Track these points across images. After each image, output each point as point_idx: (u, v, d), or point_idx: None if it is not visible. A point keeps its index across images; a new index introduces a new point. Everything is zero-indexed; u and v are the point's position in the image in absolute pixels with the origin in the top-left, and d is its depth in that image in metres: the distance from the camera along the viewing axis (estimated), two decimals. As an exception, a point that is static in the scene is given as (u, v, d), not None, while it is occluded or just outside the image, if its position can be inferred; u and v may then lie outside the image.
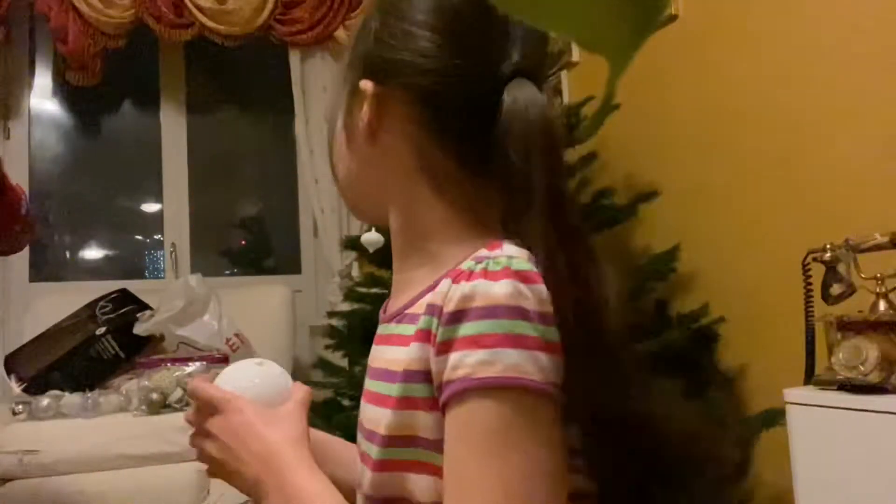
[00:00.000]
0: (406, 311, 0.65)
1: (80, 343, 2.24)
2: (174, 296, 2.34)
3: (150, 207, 3.07)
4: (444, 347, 0.55)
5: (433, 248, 0.65)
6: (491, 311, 0.53)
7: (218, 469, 0.69)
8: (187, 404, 2.04)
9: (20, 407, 2.01)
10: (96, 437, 1.95)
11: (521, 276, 0.54)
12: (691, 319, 1.82)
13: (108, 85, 2.77)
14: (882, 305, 1.20)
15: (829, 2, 1.60)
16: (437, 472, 0.56)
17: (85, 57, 2.62)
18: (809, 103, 1.65)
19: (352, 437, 1.40)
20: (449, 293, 0.55)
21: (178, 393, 2.03)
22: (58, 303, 2.45)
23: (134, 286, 2.56)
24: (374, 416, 0.62)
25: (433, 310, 0.57)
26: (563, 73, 2.52)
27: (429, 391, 0.57)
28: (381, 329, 0.70)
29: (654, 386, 0.59)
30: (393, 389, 0.59)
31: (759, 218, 1.79)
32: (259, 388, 0.71)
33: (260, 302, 2.72)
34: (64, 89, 2.89)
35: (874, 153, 1.50)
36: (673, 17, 2.03)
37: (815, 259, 1.32)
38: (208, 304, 2.38)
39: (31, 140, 2.81)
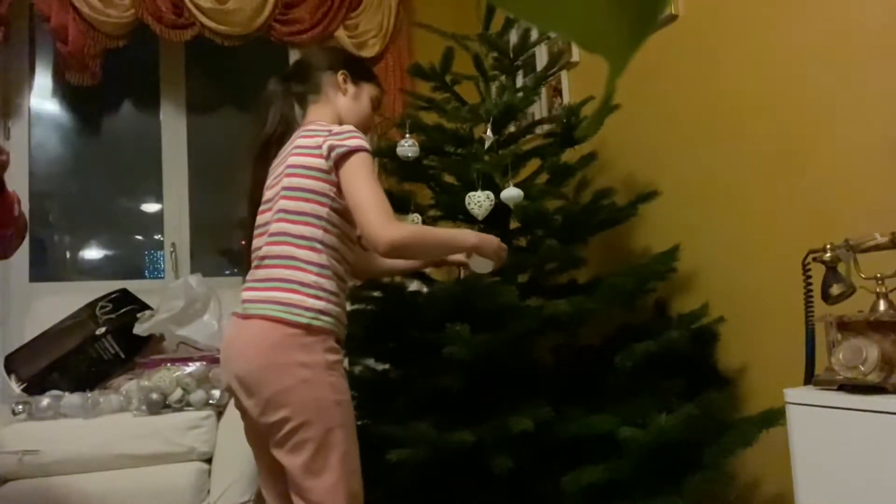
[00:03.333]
0: None
1: (80, 343, 2.24)
2: (174, 296, 2.34)
3: (150, 207, 3.07)
4: None
5: None
6: None
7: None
8: (188, 404, 2.04)
9: (20, 407, 2.01)
10: (96, 437, 1.95)
11: None
12: (691, 319, 1.82)
13: (108, 85, 2.76)
14: (882, 305, 1.21)
15: (829, 2, 1.60)
16: None
17: (85, 57, 2.62)
18: (809, 103, 1.65)
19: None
20: None
21: (178, 393, 2.03)
22: (58, 303, 2.45)
23: (134, 286, 2.56)
24: None
25: None
26: (563, 73, 2.52)
27: None
28: None
29: None
30: None
31: (759, 218, 1.79)
32: None
33: (260, 302, 2.72)
34: (64, 89, 2.89)
35: (874, 153, 1.50)
36: (673, 17, 2.03)
37: (815, 259, 1.32)
38: (208, 304, 2.38)
39: (31, 140, 2.81)
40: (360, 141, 1.35)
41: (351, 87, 1.55)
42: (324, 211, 1.35)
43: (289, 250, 1.34)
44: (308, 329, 1.29)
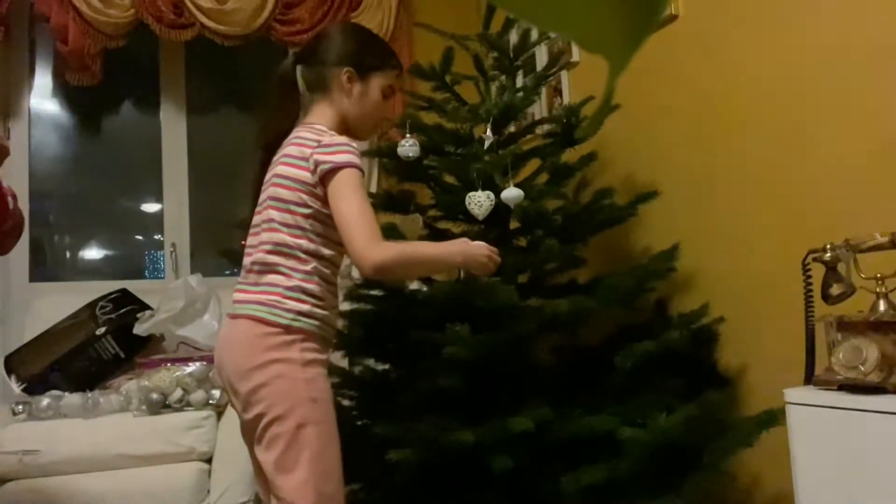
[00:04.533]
0: None
1: (80, 343, 2.24)
2: (174, 296, 2.34)
3: (150, 207, 3.07)
4: None
5: None
6: None
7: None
8: (188, 404, 2.04)
9: (20, 407, 2.01)
10: (96, 437, 1.95)
11: None
12: (691, 319, 1.82)
13: (108, 85, 2.76)
14: (882, 305, 1.20)
15: (828, 2, 1.60)
16: None
17: (85, 57, 2.62)
18: (809, 103, 1.65)
19: (352, 437, 1.40)
20: None
21: (178, 393, 2.03)
22: (58, 303, 2.45)
23: (134, 286, 2.56)
24: None
25: None
26: (563, 73, 2.52)
27: None
28: None
29: None
30: None
31: (759, 218, 1.79)
32: None
33: (260, 302, 2.72)
34: (64, 89, 2.89)
35: (874, 153, 1.50)
36: (673, 17, 2.03)
37: (815, 259, 1.32)
38: (208, 304, 2.38)
39: (31, 140, 2.81)
40: (347, 156, 1.32)
41: (356, 87, 1.46)
42: (307, 223, 1.35)
43: (274, 259, 1.35)
44: (287, 329, 1.31)
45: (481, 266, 1.44)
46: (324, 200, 1.35)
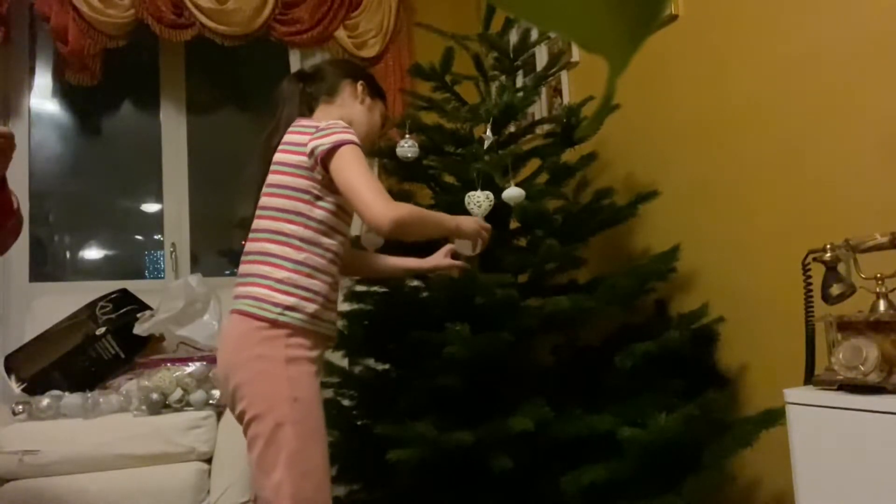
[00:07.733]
0: None
1: (80, 343, 2.24)
2: (174, 296, 2.34)
3: (150, 207, 3.07)
4: None
5: None
6: None
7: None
8: (188, 404, 2.04)
9: (20, 407, 2.01)
10: (96, 437, 1.95)
11: None
12: (691, 319, 1.82)
13: (108, 85, 2.76)
14: (882, 305, 1.20)
15: (828, 2, 1.60)
16: None
17: (85, 57, 2.62)
18: (809, 103, 1.65)
19: (352, 437, 1.39)
20: None
21: (178, 393, 2.03)
22: (58, 303, 2.45)
23: (134, 286, 2.56)
24: None
25: None
26: (563, 73, 2.52)
27: None
28: None
29: None
30: None
31: (759, 218, 1.79)
32: None
33: (260, 302, 2.72)
34: (64, 89, 2.89)
35: (874, 153, 1.50)
36: (673, 17, 2.03)
37: (815, 259, 1.32)
38: (208, 304, 2.38)
39: (31, 140, 2.81)
40: (342, 135, 1.35)
41: (367, 99, 1.58)
42: (305, 208, 1.36)
43: (265, 246, 1.36)
44: (274, 324, 1.30)
45: (474, 233, 1.54)
46: (322, 183, 1.36)
